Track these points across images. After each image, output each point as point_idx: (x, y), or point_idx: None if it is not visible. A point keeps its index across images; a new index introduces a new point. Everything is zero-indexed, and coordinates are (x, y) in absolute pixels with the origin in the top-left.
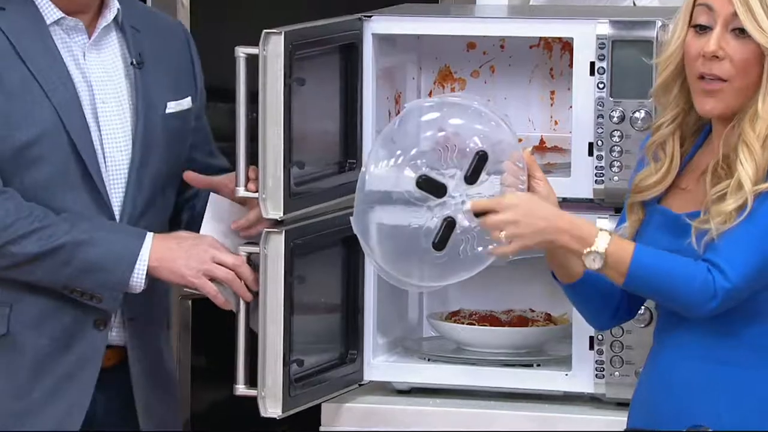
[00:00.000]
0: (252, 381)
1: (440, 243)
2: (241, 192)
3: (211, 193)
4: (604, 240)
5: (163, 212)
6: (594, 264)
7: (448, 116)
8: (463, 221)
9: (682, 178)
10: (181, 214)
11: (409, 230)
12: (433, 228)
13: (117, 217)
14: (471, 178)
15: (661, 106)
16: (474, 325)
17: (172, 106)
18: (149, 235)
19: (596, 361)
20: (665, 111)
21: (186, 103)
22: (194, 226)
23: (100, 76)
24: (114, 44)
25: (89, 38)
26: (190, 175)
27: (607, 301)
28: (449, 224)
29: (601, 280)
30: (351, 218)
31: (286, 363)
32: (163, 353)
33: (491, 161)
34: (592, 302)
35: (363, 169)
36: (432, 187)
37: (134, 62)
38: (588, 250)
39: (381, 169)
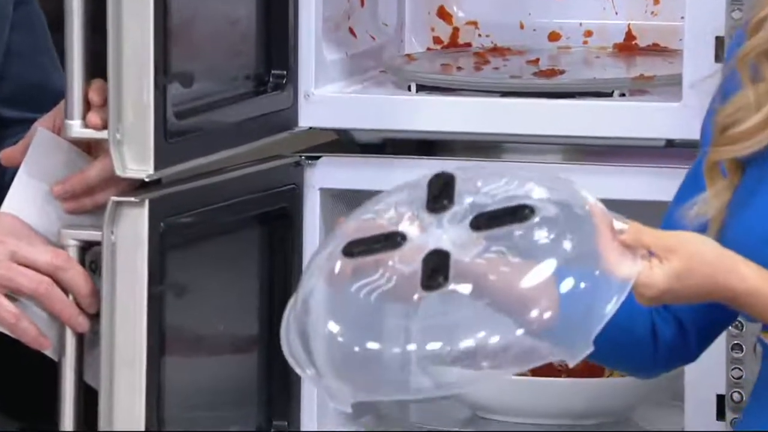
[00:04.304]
0: None
1: (432, 278)
2: (76, 129)
3: (39, 127)
4: None
5: None
6: None
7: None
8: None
9: None
10: None
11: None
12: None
13: None
14: (434, 204)
15: None
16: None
17: None
18: None
19: None
20: None
21: None
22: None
23: None
24: None
25: None
26: (6, 155)
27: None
28: (435, 256)
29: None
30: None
31: None
32: None
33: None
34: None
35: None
36: (375, 245)
37: None
38: None
39: (316, 264)
